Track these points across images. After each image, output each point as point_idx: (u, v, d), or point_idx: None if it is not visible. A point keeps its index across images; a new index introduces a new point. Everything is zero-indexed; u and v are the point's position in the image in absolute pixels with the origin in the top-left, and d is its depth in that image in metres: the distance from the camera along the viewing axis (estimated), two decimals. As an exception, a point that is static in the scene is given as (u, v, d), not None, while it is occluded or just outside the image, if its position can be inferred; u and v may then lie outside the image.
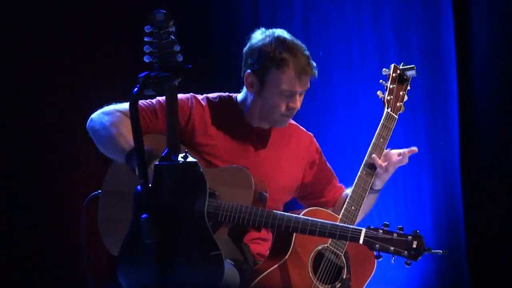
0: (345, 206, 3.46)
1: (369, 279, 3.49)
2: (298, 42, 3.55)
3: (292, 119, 3.68)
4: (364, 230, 3.28)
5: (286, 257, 3.40)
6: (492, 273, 4.95)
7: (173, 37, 2.80)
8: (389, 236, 3.26)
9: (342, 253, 3.42)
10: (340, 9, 5.09)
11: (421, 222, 4.98)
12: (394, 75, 3.62)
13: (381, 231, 3.27)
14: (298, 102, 3.53)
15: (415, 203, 5.02)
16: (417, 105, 5.02)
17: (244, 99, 3.63)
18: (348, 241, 3.34)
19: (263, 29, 3.62)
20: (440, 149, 5.04)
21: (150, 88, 2.69)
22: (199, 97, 3.63)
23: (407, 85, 3.64)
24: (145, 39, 2.83)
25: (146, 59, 2.86)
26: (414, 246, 3.26)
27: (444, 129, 5.04)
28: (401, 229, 3.28)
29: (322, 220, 3.32)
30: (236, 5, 5.16)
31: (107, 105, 3.52)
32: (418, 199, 5.03)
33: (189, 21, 4.75)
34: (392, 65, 3.65)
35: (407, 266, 3.27)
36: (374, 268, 3.47)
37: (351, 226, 3.34)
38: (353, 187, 3.49)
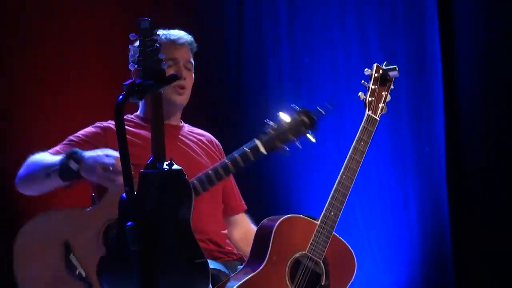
0: (323, 212, 3.40)
1: (349, 284, 3.45)
2: None
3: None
4: (257, 140, 3.40)
5: (262, 266, 3.34)
6: (478, 278, 4.97)
7: (157, 45, 2.82)
8: (282, 128, 3.38)
9: (320, 259, 3.37)
10: (324, 15, 5.10)
11: (407, 229, 4.99)
12: (376, 75, 3.55)
13: (271, 129, 3.40)
14: (183, 70, 3.67)
15: (400, 209, 5.03)
16: (402, 111, 5.03)
17: (141, 104, 3.74)
18: (254, 159, 3.43)
19: None
20: (425, 155, 5.05)
21: (134, 96, 2.70)
22: (104, 124, 3.69)
23: (390, 86, 3.57)
24: (130, 46, 2.84)
25: (130, 66, 2.87)
26: (307, 120, 3.40)
27: (430, 134, 5.06)
28: (285, 115, 3.36)
29: (228, 157, 3.45)
30: (221, 12, 5.17)
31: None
32: (403, 205, 5.04)
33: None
34: (375, 65, 3.57)
35: (314, 141, 3.33)
36: (354, 273, 3.42)
37: (245, 148, 3.44)
38: (332, 193, 3.43)
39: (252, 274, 3.34)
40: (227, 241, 3.73)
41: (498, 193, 4.91)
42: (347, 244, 3.44)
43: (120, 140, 2.66)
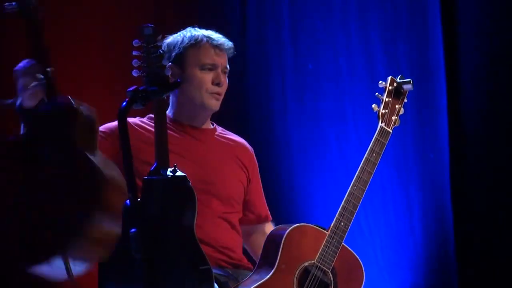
0: (334, 222, 3.39)
1: None
2: None
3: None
4: None
5: (271, 273, 3.32)
6: (482, 283, 4.96)
7: (161, 51, 2.82)
8: None
9: (329, 269, 3.35)
10: (327, 21, 5.10)
11: (411, 235, 4.98)
12: (390, 88, 3.56)
13: None
14: (222, 77, 3.56)
15: (404, 214, 5.02)
16: (406, 116, 4.98)
17: (170, 105, 3.62)
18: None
19: None
20: (429, 161, 5.04)
21: (138, 103, 2.69)
22: (130, 120, 3.51)
23: (404, 99, 3.59)
24: (133, 53, 2.84)
25: (134, 73, 2.87)
26: None
27: (433, 140, 5.05)
28: None
29: None
30: (224, 17, 5.17)
31: None
32: (407, 210, 5.03)
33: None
34: (389, 78, 3.58)
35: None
36: (363, 284, 3.41)
37: None
38: (342, 203, 3.42)
39: (261, 281, 3.32)
40: (240, 251, 3.65)
41: (502, 198, 4.90)
42: (355, 254, 3.44)
43: (124, 145, 2.65)
